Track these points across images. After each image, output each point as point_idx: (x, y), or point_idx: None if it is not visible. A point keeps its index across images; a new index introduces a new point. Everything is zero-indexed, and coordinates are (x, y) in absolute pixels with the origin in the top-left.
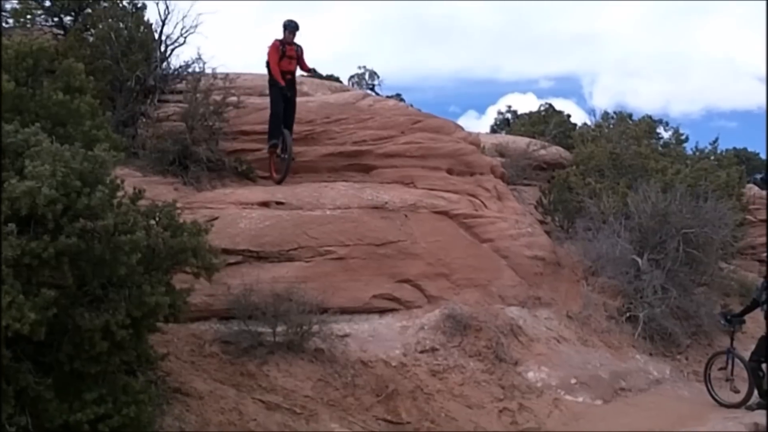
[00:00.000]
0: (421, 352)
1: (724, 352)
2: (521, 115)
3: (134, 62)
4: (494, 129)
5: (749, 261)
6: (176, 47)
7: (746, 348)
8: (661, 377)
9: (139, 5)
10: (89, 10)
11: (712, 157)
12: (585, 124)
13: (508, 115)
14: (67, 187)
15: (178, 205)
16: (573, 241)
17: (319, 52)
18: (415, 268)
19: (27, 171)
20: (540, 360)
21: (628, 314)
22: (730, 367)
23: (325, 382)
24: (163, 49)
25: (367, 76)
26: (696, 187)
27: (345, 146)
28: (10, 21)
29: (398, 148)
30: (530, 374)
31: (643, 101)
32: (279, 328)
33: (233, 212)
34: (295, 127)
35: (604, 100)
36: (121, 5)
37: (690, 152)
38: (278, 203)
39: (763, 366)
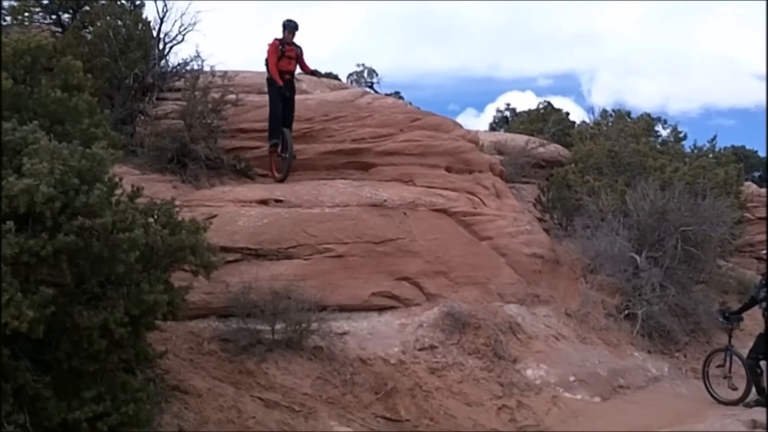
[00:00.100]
0: (420, 349)
1: (723, 350)
2: (520, 113)
3: (132, 60)
4: (493, 127)
5: (747, 258)
6: (174, 45)
7: (744, 345)
8: (660, 375)
9: (138, 3)
10: (87, 8)
11: (711, 155)
12: (583, 122)
13: (507, 113)
14: (66, 184)
15: (177, 203)
16: (571, 239)
17: (319, 50)
18: (413, 265)
19: (25, 169)
20: (539, 357)
21: (626, 312)
22: (728, 364)
23: (324, 379)
24: (161, 46)
25: (365, 74)
26: (694, 184)
27: (344, 144)
28: (8, 18)
29: (397, 145)
30: (529, 372)
31: (641, 99)
32: (278, 326)
33: (232, 210)
34: (294, 125)
35: (602, 98)
36: (119, 3)
37: (688, 150)
38: (277, 201)
39: (762, 363)
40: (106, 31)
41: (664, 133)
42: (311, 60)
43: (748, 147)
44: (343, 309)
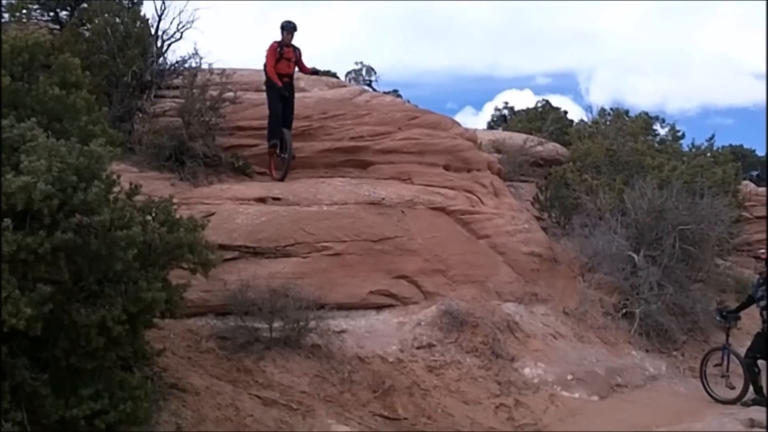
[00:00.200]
0: (418, 348)
1: (720, 349)
2: (518, 111)
3: (130, 57)
4: (491, 125)
5: (745, 258)
6: (173, 42)
7: (742, 344)
8: (657, 373)
9: (136, 0)
10: (85, 5)
11: (709, 154)
12: (582, 120)
13: (505, 112)
14: (63, 182)
15: (175, 200)
16: (569, 238)
17: (318, 48)
18: (411, 264)
19: (23, 166)
20: (536, 356)
21: (624, 310)
22: (725, 363)
23: (322, 377)
24: (159, 44)
25: (364, 72)
26: (692, 183)
27: (342, 142)
28: (6, 15)
29: (395, 144)
30: (527, 370)
31: (639, 98)
32: (276, 324)
33: (230, 208)
34: (293, 123)
35: (601, 97)
36: (117, 0)
37: (686, 149)
38: (275, 199)
39: (759, 362)
40: (104, 29)
41: (663, 131)
42: (310, 58)
43: (746, 146)
44: (341, 307)
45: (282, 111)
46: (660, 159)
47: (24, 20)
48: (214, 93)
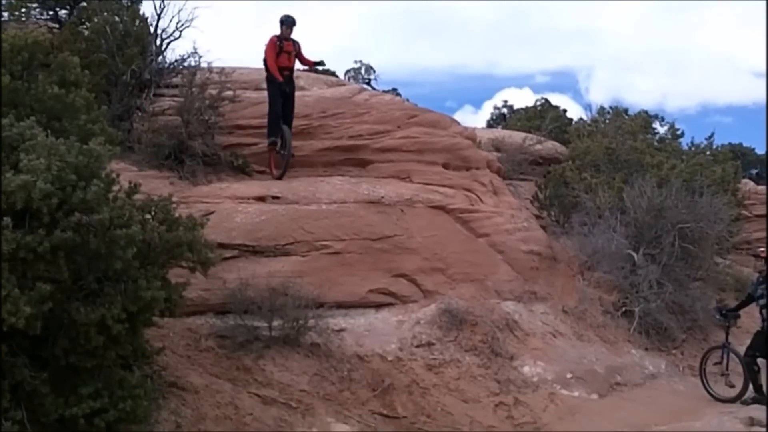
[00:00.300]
0: (417, 346)
1: (720, 347)
2: (517, 110)
3: (130, 56)
4: (490, 124)
5: (744, 256)
6: (172, 41)
7: (741, 343)
8: (657, 372)
9: None
10: (84, 4)
11: (708, 153)
12: (581, 119)
13: (505, 110)
14: (63, 181)
15: (174, 199)
16: (569, 236)
17: (317, 47)
18: (411, 262)
19: (22, 165)
20: (536, 354)
21: (623, 309)
22: (725, 361)
23: (321, 376)
24: (158, 43)
25: (363, 71)
26: (691, 182)
27: (341, 141)
28: (5, 14)
29: (394, 142)
30: (526, 369)
31: (639, 96)
32: (275, 323)
33: (229, 207)
34: (293, 123)
35: (600, 95)
36: None
37: (686, 147)
38: (274, 198)
39: (759, 360)
40: (104, 28)
41: (662, 130)
42: (311, 55)
43: (745, 144)
44: (340, 306)
45: (282, 108)
46: (659, 157)
47: (23, 19)
48: (214, 92)
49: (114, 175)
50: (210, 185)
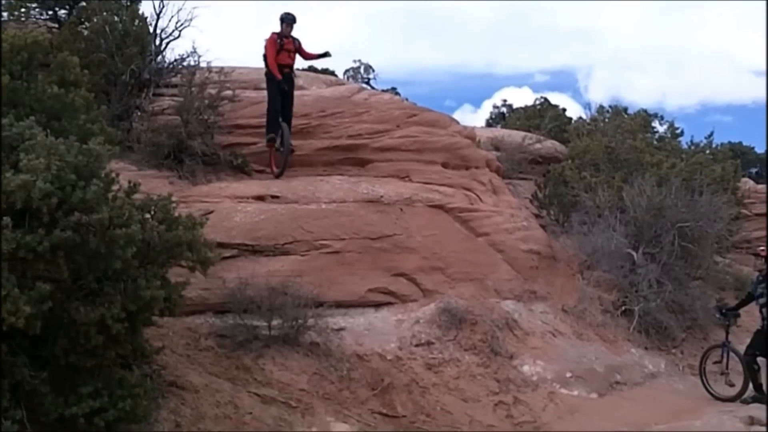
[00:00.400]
0: (417, 345)
1: (720, 346)
2: (517, 109)
3: (129, 56)
4: (490, 123)
5: (744, 255)
6: (171, 41)
7: (741, 342)
8: (657, 371)
9: None
10: (84, 4)
11: (708, 151)
12: (580, 118)
13: (504, 109)
14: (62, 180)
15: (174, 198)
16: (568, 235)
17: (317, 46)
18: (410, 262)
19: (22, 164)
20: (535, 354)
21: (623, 308)
22: (725, 360)
23: (321, 375)
24: (158, 42)
25: (362, 70)
26: (691, 181)
27: (340, 140)
28: (5, 14)
29: (394, 141)
30: (525, 368)
31: (638, 95)
32: (274, 322)
33: (228, 206)
34: (291, 121)
35: (599, 94)
36: None
37: (685, 146)
38: (273, 197)
39: (759, 359)
40: (103, 27)
41: (661, 129)
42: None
43: (745, 143)
44: (339, 305)
45: (281, 105)
46: (659, 156)
47: (23, 19)
48: (213, 91)
49: (113, 175)
50: (209, 185)
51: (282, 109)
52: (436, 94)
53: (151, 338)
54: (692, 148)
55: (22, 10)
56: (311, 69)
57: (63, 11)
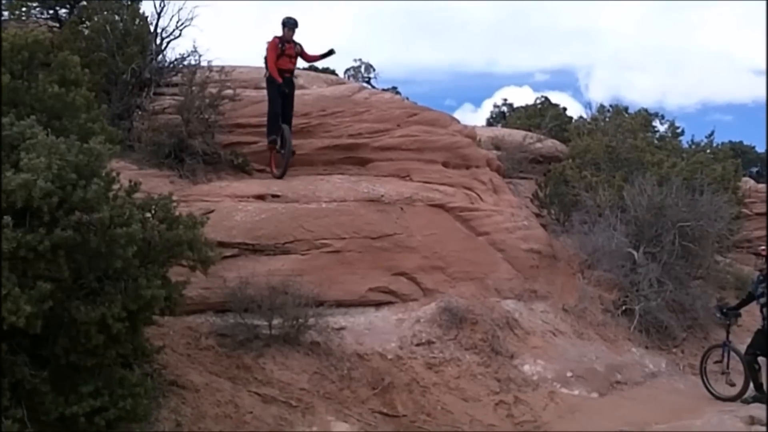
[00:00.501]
0: (417, 345)
1: (720, 346)
2: (517, 108)
3: (130, 55)
4: (490, 122)
5: (745, 254)
6: (172, 40)
7: (742, 341)
8: (657, 370)
9: None
10: (84, 3)
11: (708, 151)
12: (581, 117)
13: (504, 109)
14: (63, 179)
15: (174, 198)
16: (569, 235)
17: (317, 46)
18: (411, 261)
19: (23, 164)
20: (536, 353)
21: (624, 307)
22: (725, 360)
23: (321, 375)
24: (158, 41)
25: (363, 69)
26: (692, 180)
27: (341, 139)
28: (5, 13)
29: (394, 141)
30: (526, 367)
31: (639, 94)
32: (275, 321)
33: (229, 205)
34: (292, 120)
35: (600, 94)
36: None
37: (686, 145)
38: (274, 196)
39: (759, 359)
40: (104, 27)
41: (662, 128)
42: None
43: (745, 142)
44: (340, 304)
45: (282, 107)
46: (659, 156)
47: (23, 18)
48: (213, 90)
49: (114, 174)
50: (210, 184)
51: (282, 111)
52: (437, 94)
53: (152, 337)
54: (693, 147)
55: (23, 9)
56: (312, 68)
57: (64, 10)
